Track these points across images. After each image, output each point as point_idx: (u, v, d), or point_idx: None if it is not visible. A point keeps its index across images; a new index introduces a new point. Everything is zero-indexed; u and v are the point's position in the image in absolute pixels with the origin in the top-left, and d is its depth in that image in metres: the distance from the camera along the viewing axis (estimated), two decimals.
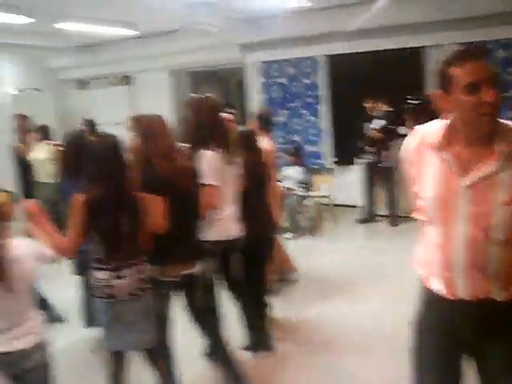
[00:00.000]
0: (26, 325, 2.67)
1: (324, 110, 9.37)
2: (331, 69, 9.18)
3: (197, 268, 3.45)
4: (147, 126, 3.39)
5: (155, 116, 3.49)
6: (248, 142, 4.31)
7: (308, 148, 9.44)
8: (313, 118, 9.50)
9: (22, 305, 2.68)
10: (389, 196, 8.21)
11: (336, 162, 9.45)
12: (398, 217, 8.08)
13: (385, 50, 8.33)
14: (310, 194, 8.33)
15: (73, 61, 11.50)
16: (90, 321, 4.60)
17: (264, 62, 9.79)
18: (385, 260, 6.56)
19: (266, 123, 5.76)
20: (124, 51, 10.42)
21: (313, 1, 7.49)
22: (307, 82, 9.44)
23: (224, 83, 12.47)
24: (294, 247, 6.66)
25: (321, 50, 9.10)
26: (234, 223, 3.97)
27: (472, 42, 7.62)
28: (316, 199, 8.55)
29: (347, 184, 8.88)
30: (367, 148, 8.18)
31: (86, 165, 3.19)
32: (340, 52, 8.88)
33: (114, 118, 10.05)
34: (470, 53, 1.96)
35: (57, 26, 7.94)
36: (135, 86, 11.56)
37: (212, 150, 3.67)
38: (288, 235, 7.65)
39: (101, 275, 3.08)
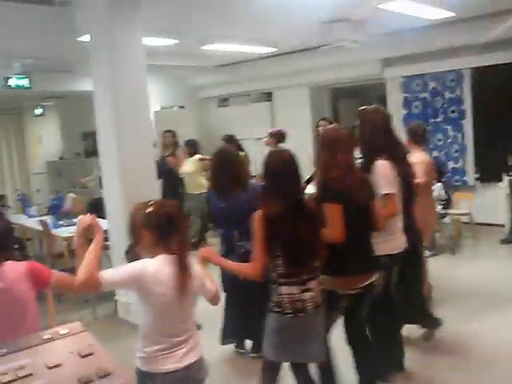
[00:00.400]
0: (195, 336, 2.72)
1: (468, 125, 9.01)
2: (475, 82, 8.82)
3: (374, 280, 3.47)
4: (334, 139, 3.50)
5: (342, 129, 3.63)
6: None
7: (450, 164, 9.14)
8: (456, 134, 9.16)
9: (192, 318, 2.75)
10: None
11: (478, 179, 9.05)
12: None
13: None
14: (450, 211, 8.04)
15: (213, 79, 12.00)
16: (226, 338, 4.78)
17: (405, 77, 9.60)
18: None
19: (416, 137, 5.67)
20: (264, 69, 10.68)
21: (455, 11, 7.25)
22: (451, 96, 9.11)
23: (364, 99, 12.37)
24: (434, 265, 6.45)
25: (463, 63, 8.78)
26: (403, 236, 3.93)
27: None
28: (456, 217, 8.23)
29: (490, 202, 8.45)
30: None
31: (264, 180, 3.26)
32: (484, 64, 8.51)
33: (254, 134, 10.39)
34: None
35: (203, 47, 8.30)
36: (275, 102, 11.79)
37: (385, 159, 3.71)
38: (426, 253, 7.42)
39: (289, 290, 3.08)
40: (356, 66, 9.72)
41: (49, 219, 7.37)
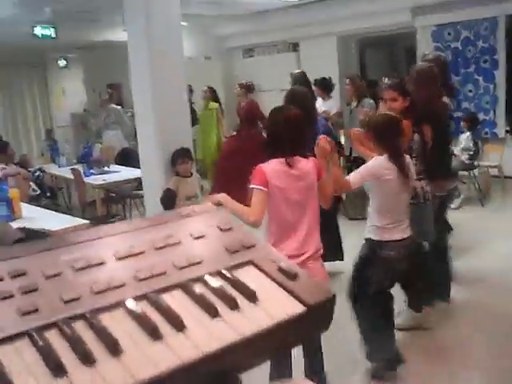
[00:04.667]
0: (406, 220, 3.57)
1: (500, 76, 8.82)
2: (510, 30, 8.60)
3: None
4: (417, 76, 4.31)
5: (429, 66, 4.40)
6: None
7: (480, 116, 8.97)
8: (487, 85, 8.99)
9: (406, 205, 3.60)
10: None
11: (508, 132, 8.94)
12: None
13: None
14: (478, 163, 7.96)
15: (239, 28, 11.83)
16: None
17: (436, 26, 9.38)
18: None
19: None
20: (291, 18, 10.50)
21: None
22: (484, 45, 8.90)
23: (391, 49, 12.19)
24: (463, 215, 6.46)
25: (499, 10, 8.53)
26: None
27: None
28: (485, 169, 8.16)
29: None
30: None
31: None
32: None
33: (280, 85, 10.27)
34: None
35: None
36: (302, 53, 11.63)
37: None
38: (453, 204, 7.40)
39: None
40: (386, 15, 9.49)
41: (80, 168, 7.41)
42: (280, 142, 3.05)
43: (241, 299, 0.70)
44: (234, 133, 8.33)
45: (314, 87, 7.56)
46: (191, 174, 5.43)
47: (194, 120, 9.11)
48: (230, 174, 7.84)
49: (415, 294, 4.22)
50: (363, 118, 6.97)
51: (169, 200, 5.26)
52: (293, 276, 0.74)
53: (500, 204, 7.78)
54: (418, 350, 3.79)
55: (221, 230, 0.84)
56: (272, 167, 3.00)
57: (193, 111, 8.41)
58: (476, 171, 7.92)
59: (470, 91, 9.12)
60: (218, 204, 3.01)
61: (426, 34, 9.54)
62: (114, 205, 7.55)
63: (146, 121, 5.67)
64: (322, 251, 3.12)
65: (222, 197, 3.11)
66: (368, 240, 3.62)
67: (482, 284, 4.96)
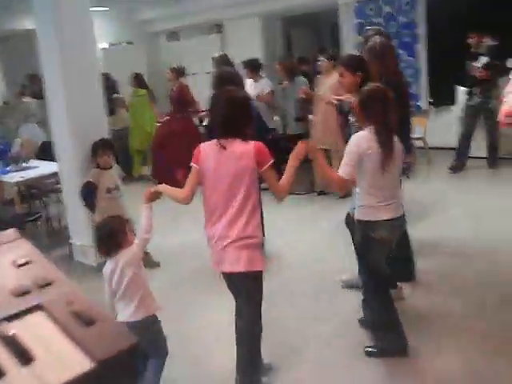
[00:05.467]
0: (398, 197, 3.44)
1: (421, 50, 8.90)
2: (430, 5, 8.67)
3: None
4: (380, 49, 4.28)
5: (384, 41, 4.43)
6: None
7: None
8: (409, 59, 9.05)
9: (396, 182, 3.44)
10: (490, 137, 7.70)
11: (431, 103, 9.03)
12: (498, 158, 7.73)
13: None
14: None
15: (162, 12, 11.55)
16: None
17: (358, 2, 9.38)
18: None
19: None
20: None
21: None
22: (405, 20, 8.95)
23: (316, 27, 12.15)
24: None
25: None
26: None
27: None
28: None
29: (444, 126, 8.48)
30: (472, 88, 7.55)
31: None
32: None
33: (205, 68, 10.10)
34: None
35: None
36: (226, 34, 11.46)
37: None
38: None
39: None
40: None
41: None
42: (216, 124, 3.12)
43: (11, 363, 0.57)
44: (167, 117, 8.19)
45: (243, 69, 7.50)
46: (111, 166, 5.27)
47: (113, 109, 8.90)
48: (168, 157, 7.76)
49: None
50: (303, 95, 7.08)
51: (88, 193, 5.13)
52: (88, 322, 0.61)
53: (426, 176, 7.88)
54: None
55: (16, 265, 0.71)
56: (206, 147, 3.09)
57: (110, 100, 8.15)
58: None
59: None
60: (157, 195, 3.21)
61: (349, 10, 9.53)
62: (35, 201, 7.25)
63: (58, 112, 5.43)
64: (254, 240, 3.03)
65: (162, 187, 3.23)
66: (359, 222, 3.46)
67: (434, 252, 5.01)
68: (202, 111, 8.21)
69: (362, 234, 3.45)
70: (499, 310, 4.00)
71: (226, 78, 4.86)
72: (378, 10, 9.21)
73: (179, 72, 8.12)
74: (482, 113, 7.54)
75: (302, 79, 7.49)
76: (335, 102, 5.14)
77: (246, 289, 3.13)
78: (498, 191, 6.74)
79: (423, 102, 9.05)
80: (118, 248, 3.05)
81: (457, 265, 4.84)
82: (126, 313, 3.01)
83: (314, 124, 7.21)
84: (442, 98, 8.86)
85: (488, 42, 7.29)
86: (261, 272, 3.11)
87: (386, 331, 3.56)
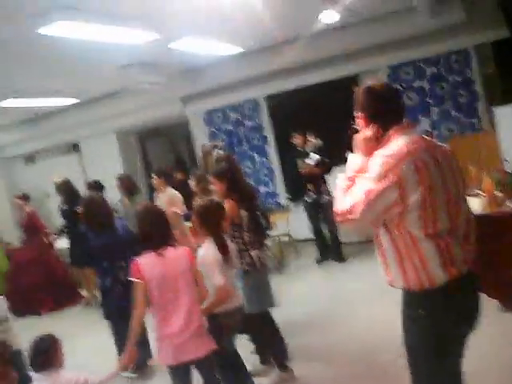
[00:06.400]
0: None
1: (271, 150, 9.52)
2: (272, 109, 9.37)
3: None
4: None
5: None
6: None
7: (262, 189, 9.57)
8: (262, 159, 9.64)
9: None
10: (330, 233, 7.96)
11: (290, 199, 9.44)
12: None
13: (322, 82, 8.54)
14: (271, 233, 8.44)
15: (18, 136, 11.41)
16: None
17: (206, 112, 9.94)
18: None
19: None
20: (69, 119, 10.34)
21: (243, 45, 7.68)
22: (252, 124, 9.60)
23: (171, 137, 12.60)
24: None
25: (260, 92, 9.31)
26: None
27: (403, 64, 8.20)
28: (276, 238, 8.64)
29: (304, 219, 8.95)
30: (307, 186, 7.87)
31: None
32: (278, 90, 9.09)
33: None
34: None
35: (0, 104, 7.91)
36: (84, 153, 11.55)
37: None
38: None
39: None
40: (158, 107, 9.89)
41: None
42: (149, 237, 3.47)
43: None
44: (21, 244, 8.06)
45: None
46: None
47: None
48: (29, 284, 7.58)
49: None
50: None
51: None
52: None
53: (295, 267, 8.23)
54: None
55: None
56: (146, 260, 3.40)
57: None
58: (269, 242, 8.33)
59: (249, 167, 9.66)
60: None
61: (199, 119, 10.05)
62: None
63: None
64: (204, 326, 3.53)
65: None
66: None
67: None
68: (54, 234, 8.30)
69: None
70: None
71: (96, 203, 5.19)
72: (226, 117, 9.80)
73: (25, 198, 8.14)
74: (319, 208, 7.83)
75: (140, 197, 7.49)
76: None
77: None
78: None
79: (282, 198, 9.56)
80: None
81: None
82: None
83: None
84: (297, 192, 9.35)
85: (313, 140, 7.76)
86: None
87: None
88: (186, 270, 3.46)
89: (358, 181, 2.42)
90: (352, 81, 8.33)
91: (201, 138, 10.07)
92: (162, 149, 12.32)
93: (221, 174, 4.49)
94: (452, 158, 2.49)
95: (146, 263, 3.40)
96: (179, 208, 6.92)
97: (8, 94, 7.70)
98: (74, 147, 11.77)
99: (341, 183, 2.51)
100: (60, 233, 8.69)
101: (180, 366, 3.45)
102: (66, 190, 7.67)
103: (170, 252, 3.46)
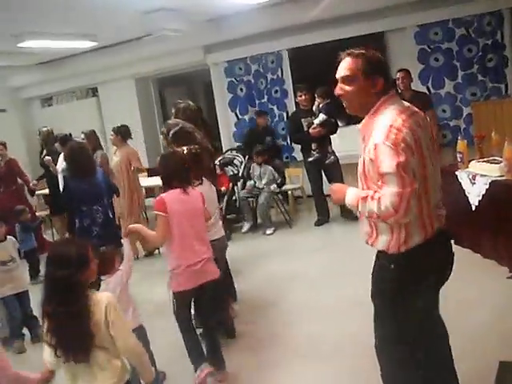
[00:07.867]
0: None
1: (290, 104, 9.40)
2: (295, 62, 9.23)
3: None
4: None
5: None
6: None
7: (279, 143, 9.51)
8: (281, 113, 9.55)
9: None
10: None
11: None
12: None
13: (347, 38, 8.17)
14: (284, 188, 8.51)
15: (35, 78, 11.38)
16: None
17: (227, 62, 9.81)
18: None
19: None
20: (87, 63, 10.31)
21: None
22: (273, 77, 9.48)
23: (189, 86, 12.49)
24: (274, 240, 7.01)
25: (282, 45, 9.17)
26: None
27: (432, 23, 7.98)
28: (289, 192, 8.70)
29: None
30: (310, 145, 7.67)
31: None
32: (301, 45, 8.94)
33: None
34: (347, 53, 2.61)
35: (19, 44, 7.83)
36: (101, 97, 11.53)
37: None
38: (268, 231, 7.81)
39: None
40: (179, 54, 9.76)
41: None
42: (175, 176, 3.85)
43: None
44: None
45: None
46: (5, 238, 5.19)
47: None
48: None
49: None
50: None
51: None
52: None
53: (306, 223, 8.21)
54: None
55: None
56: (170, 196, 3.79)
57: None
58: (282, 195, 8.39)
59: (267, 120, 9.55)
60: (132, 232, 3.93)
61: (219, 70, 9.95)
62: None
63: None
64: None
65: (139, 227, 4.00)
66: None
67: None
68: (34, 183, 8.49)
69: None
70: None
71: (84, 153, 5.50)
72: (247, 68, 9.69)
73: (5, 146, 8.22)
74: (323, 168, 7.68)
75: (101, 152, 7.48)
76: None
77: None
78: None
79: (297, 153, 9.42)
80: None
81: None
82: None
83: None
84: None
85: (324, 100, 7.41)
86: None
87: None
88: (201, 207, 3.92)
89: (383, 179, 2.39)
90: (377, 39, 8.20)
91: (219, 88, 10.02)
92: (180, 97, 12.20)
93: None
94: (428, 123, 2.60)
95: (171, 199, 3.77)
96: (137, 163, 7.50)
97: (27, 36, 7.63)
98: (93, 91, 11.70)
99: (353, 197, 2.54)
100: (39, 180, 8.83)
101: (190, 292, 3.85)
102: (51, 140, 8.30)
103: (191, 191, 3.88)
